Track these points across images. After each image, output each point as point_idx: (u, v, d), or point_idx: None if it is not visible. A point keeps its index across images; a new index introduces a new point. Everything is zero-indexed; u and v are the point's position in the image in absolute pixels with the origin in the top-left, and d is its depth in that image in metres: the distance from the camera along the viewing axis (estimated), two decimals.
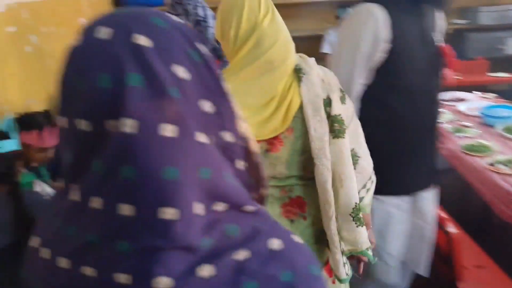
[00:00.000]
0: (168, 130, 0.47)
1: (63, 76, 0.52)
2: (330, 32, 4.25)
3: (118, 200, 0.47)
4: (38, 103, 2.74)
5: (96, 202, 0.48)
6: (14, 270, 1.41)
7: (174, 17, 0.54)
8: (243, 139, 0.57)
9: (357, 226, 1.27)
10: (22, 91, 2.59)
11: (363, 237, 1.29)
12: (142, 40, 0.48)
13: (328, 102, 1.22)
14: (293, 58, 1.24)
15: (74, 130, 0.49)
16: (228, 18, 1.19)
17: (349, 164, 1.25)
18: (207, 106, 0.51)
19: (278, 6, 4.50)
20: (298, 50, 4.64)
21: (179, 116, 0.48)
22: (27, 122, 2.16)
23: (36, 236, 0.56)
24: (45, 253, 0.53)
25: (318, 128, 1.18)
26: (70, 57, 0.52)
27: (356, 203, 1.26)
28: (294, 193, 1.26)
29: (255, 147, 0.63)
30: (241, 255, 0.50)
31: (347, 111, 1.30)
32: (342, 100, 1.29)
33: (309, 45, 4.69)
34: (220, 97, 0.53)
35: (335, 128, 1.21)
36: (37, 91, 2.76)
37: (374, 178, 1.42)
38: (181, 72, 0.49)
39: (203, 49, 0.53)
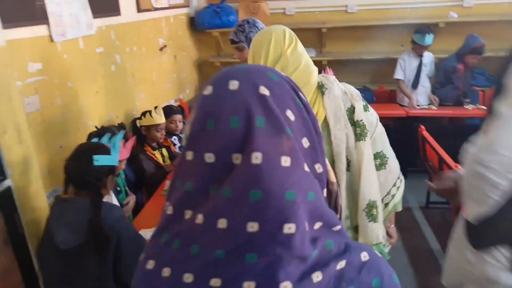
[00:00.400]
0: (286, 161, 0.59)
1: (194, 117, 0.63)
2: (404, 57, 4.24)
3: (247, 219, 0.57)
4: (116, 118, 3.03)
5: (222, 223, 0.58)
6: (78, 267, 1.60)
7: (281, 72, 0.68)
8: (326, 171, 0.69)
9: (369, 221, 1.41)
10: (105, 107, 2.87)
11: (374, 232, 1.42)
12: (264, 91, 0.61)
13: (352, 110, 1.40)
14: (315, 77, 1.43)
15: (199, 162, 0.61)
16: (258, 50, 1.42)
17: (369, 164, 1.40)
18: (305, 142, 0.63)
19: (354, 28, 4.53)
20: (370, 73, 4.60)
21: (292, 150, 0.60)
22: (102, 135, 2.42)
23: (149, 259, 0.65)
24: (167, 272, 0.62)
25: (338, 135, 1.37)
26: (202, 103, 0.63)
27: (370, 200, 1.40)
28: None
29: (333, 178, 0.77)
30: (340, 264, 0.62)
31: (370, 117, 1.46)
32: (365, 108, 1.46)
33: (381, 68, 4.69)
34: (315, 135, 0.65)
35: (357, 132, 1.39)
36: (117, 107, 3.05)
37: (402, 177, 1.55)
38: (290, 115, 0.62)
39: (303, 96, 0.66)
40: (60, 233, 1.59)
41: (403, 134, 4.13)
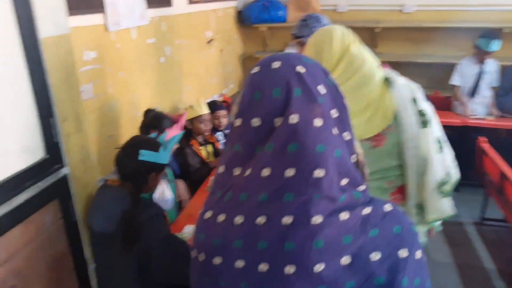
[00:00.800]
0: (318, 122, 0.75)
1: (244, 91, 0.81)
2: (463, 62, 4.08)
3: (285, 166, 0.73)
4: (163, 109, 3.08)
5: (266, 172, 0.74)
6: (108, 254, 1.64)
7: (313, 59, 0.84)
8: (353, 140, 0.83)
9: (442, 197, 1.59)
10: (153, 99, 2.93)
11: (448, 206, 1.61)
12: (301, 69, 0.78)
13: (414, 100, 1.55)
14: (380, 71, 1.56)
15: (247, 127, 0.78)
16: (321, 46, 1.54)
17: (434, 149, 1.56)
18: (334, 112, 0.79)
19: (409, 29, 4.39)
20: (424, 77, 4.50)
21: (323, 114, 0.76)
22: (152, 124, 2.47)
23: (207, 211, 0.82)
24: (221, 218, 0.78)
25: (406, 123, 1.52)
26: (251, 79, 0.81)
27: (440, 178, 1.56)
28: (398, 183, 1.60)
29: (359, 148, 0.92)
30: (366, 210, 0.75)
31: (428, 107, 1.60)
32: (423, 99, 1.60)
33: (437, 73, 4.54)
34: (342, 107, 0.81)
35: (422, 120, 1.54)
36: (164, 99, 3.10)
37: (454, 160, 1.70)
38: (322, 89, 0.78)
39: (331, 78, 0.83)
40: (94, 216, 1.68)
41: (458, 144, 3.98)
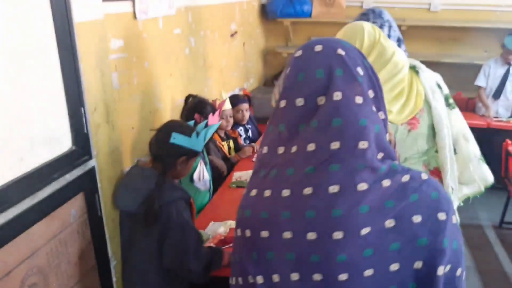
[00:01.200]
0: (358, 100, 0.79)
1: (287, 74, 0.85)
2: (490, 63, 3.91)
3: (330, 140, 0.77)
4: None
5: (311, 146, 0.78)
6: (134, 235, 1.57)
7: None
8: (387, 120, 0.87)
9: (483, 163, 1.71)
10: (177, 91, 2.81)
11: (488, 172, 1.72)
12: (341, 52, 0.83)
13: (439, 86, 1.64)
14: (407, 61, 1.65)
15: (291, 107, 0.81)
16: (353, 37, 1.55)
17: (467, 126, 1.67)
18: (371, 93, 0.83)
19: (435, 28, 4.20)
20: (447, 77, 4.30)
21: (363, 93, 0.80)
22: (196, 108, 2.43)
23: (252, 189, 0.84)
24: (267, 193, 0.81)
25: (436, 106, 1.58)
26: (294, 62, 0.85)
27: (478, 150, 1.70)
28: (432, 166, 1.64)
29: (391, 129, 0.94)
30: (405, 178, 0.79)
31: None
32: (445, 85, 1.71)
33: (461, 73, 4.30)
34: (378, 88, 0.85)
35: (449, 102, 1.63)
36: (187, 91, 2.97)
37: None
38: (360, 70, 0.83)
39: (368, 62, 0.87)
40: (119, 193, 1.67)
41: (479, 146, 3.84)
